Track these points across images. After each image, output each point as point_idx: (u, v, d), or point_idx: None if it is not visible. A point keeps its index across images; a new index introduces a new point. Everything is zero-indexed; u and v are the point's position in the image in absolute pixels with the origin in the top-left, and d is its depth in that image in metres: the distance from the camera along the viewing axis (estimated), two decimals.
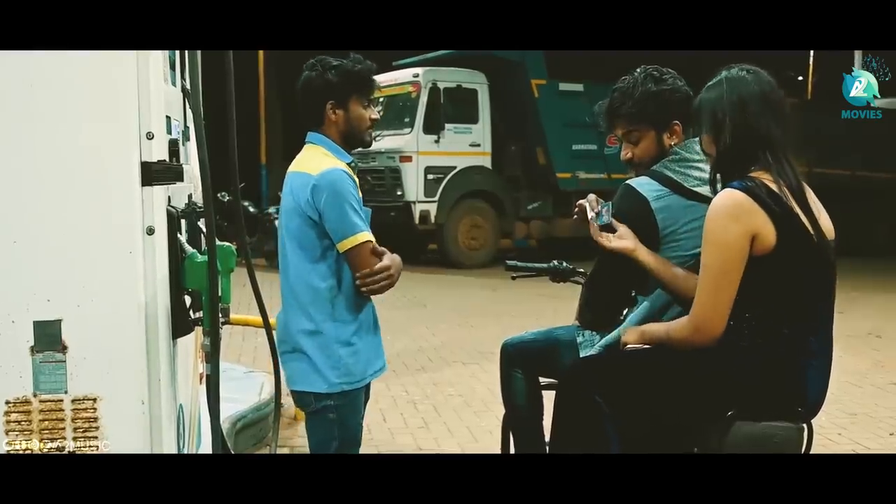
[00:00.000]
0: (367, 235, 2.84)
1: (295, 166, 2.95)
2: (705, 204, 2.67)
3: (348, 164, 2.95)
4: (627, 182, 2.88)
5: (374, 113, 3.03)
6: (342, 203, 2.82)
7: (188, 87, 2.92)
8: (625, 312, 2.99)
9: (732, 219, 2.42)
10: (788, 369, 2.51)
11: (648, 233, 2.78)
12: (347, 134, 2.98)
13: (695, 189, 2.78)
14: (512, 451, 3.50)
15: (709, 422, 2.58)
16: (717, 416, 2.54)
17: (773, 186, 2.46)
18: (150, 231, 2.39)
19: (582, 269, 3.53)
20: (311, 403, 2.98)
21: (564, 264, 3.57)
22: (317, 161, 2.90)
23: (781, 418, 2.55)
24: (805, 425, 2.59)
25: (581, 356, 3.05)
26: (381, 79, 15.58)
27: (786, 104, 2.63)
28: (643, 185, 2.82)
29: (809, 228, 2.46)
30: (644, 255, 2.70)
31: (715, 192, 2.59)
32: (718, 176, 2.60)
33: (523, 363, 3.38)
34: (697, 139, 2.77)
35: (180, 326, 2.63)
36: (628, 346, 2.73)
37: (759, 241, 2.41)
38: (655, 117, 2.89)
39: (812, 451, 2.65)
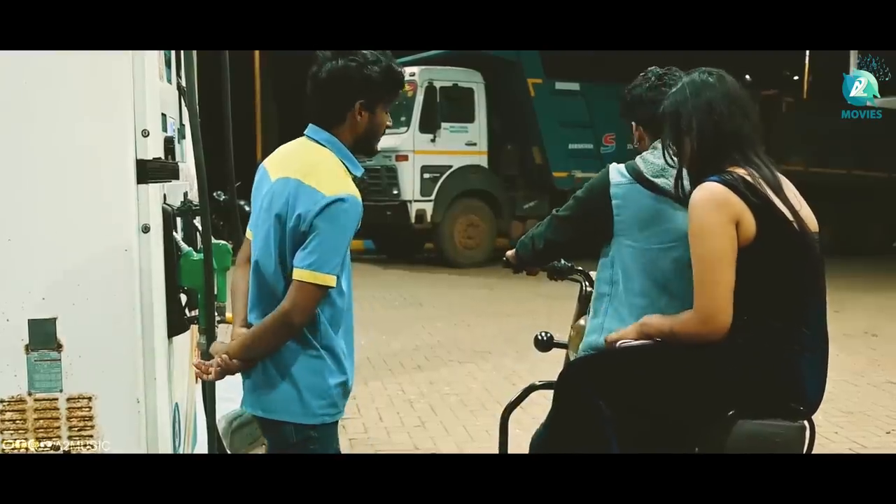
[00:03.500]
0: (333, 282, 2.44)
1: (299, 173, 2.48)
2: (660, 195, 2.76)
3: (357, 177, 2.62)
4: (610, 165, 2.97)
5: (389, 119, 2.69)
6: (341, 240, 2.45)
7: (184, 84, 2.92)
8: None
9: (714, 208, 2.45)
10: (781, 363, 2.51)
11: (602, 211, 2.87)
12: (362, 139, 2.61)
13: (652, 179, 2.81)
14: (510, 446, 3.49)
15: (708, 421, 2.58)
16: (716, 414, 2.54)
17: (749, 178, 2.50)
18: (146, 229, 2.39)
19: (580, 268, 3.53)
20: (290, 436, 2.57)
21: (562, 262, 3.56)
22: (328, 175, 2.48)
23: (780, 415, 2.55)
24: (807, 424, 2.59)
25: (575, 356, 3.05)
26: None
27: (751, 102, 2.66)
28: (615, 170, 2.91)
29: (789, 216, 2.49)
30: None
31: (678, 190, 2.66)
32: (687, 175, 2.64)
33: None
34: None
35: (176, 325, 2.63)
36: (621, 342, 2.72)
37: (741, 230, 2.45)
38: (640, 120, 2.99)
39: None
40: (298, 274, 2.41)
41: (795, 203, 2.53)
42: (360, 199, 2.49)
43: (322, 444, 2.62)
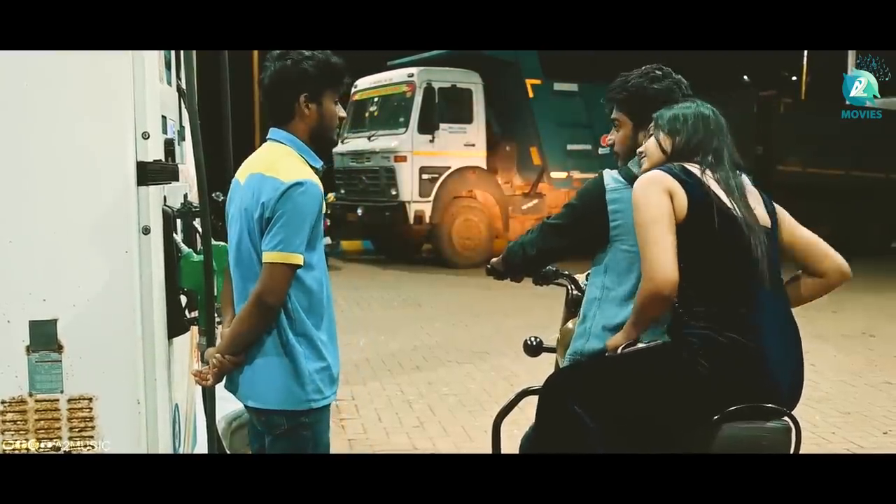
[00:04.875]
0: (301, 260, 2.56)
1: (261, 168, 2.62)
2: None
3: (318, 168, 2.70)
4: (604, 170, 2.99)
5: (342, 111, 2.80)
6: (303, 220, 2.55)
7: (184, 86, 2.92)
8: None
9: (650, 184, 2.65)
10: (743, 364, 2.55)
11: (598, 218, 2.88)
12: (317, 131, 2.71)
13: None
14: (504, 448, 3.49)
15: (692, 427, 2.60)
16: (700, 420, 2.56)
17: (688, 167, 2.69)
18: (146, 231, 2.40)
19: (566, 272, 3.53)
20: (282, 424, 2.68)
21: (548, 267, 3.54)
22: (287, 165, 2.61)
23: (761, 416, 2.57)
24: (792, 425, 2.60)
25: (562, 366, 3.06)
26: (376, 79, 15.63)
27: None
28: (609, 175, 2.93)
29: (724, 200, 2.63)
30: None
31: None
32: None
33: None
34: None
35: (176, 326, 2.63)
36: (620, 348, 2.74)
37: (675, 204, 2.61)
38: (636, 112, 2.99)
39: (806, 450, 2.66)
40: (266, 256, 2.53)
41: (748, 198, 2.69)
42: (319, 184, 2.61)
43: (313, 429, 2.70)
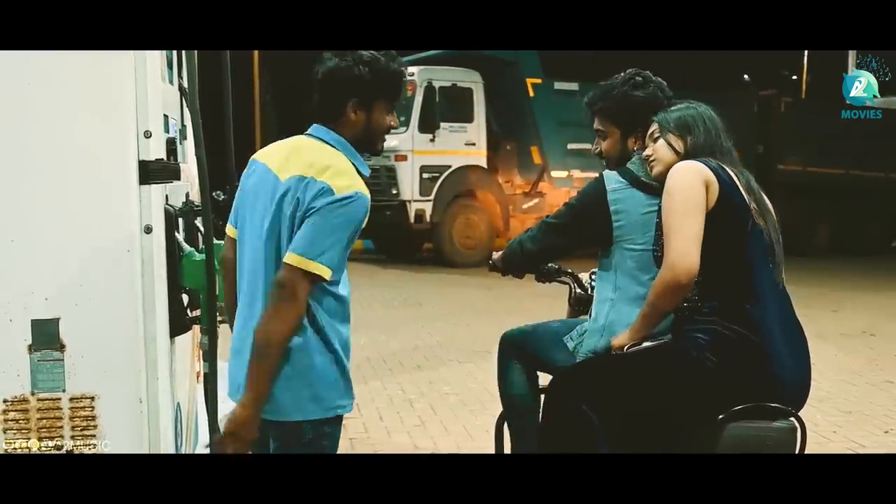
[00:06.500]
0: (328, 274, 2.37)
1: (311, 171, 2.41)
2: (659, 197, 2.81)
3: (365, 176, 2.53)
4: (602, 172, 3.04)
5: (395, 120, 2.61)
6: (344, 234, 2.39)
7: (185, 85, 2.92)
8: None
9: (687, 170, 2.69)
10: (751, 368, 2.55)
11: (599, 218, 2.92)
12: (362, 138, 2.56)
13: (651, 183, 2.86)
14: (507, 447, 3.49)
15: (697, 426, 2.60)
16: (705, 419, 2.57)
17: (724, 166, 2.74)
18: (148, 230, 2.40)
19: (570, 270, 3.53)
20: (307, 433, 2.48)
21: (550, 264, 3.54)
22: (340, 172, 2.43)
23: (767, 416, 2.57)
24: (797, 424, 2.61)
25: (576, 362, 3.07)
26: None
27: None
28: (609, 176, 2.97)
29: (747, 200, 2.69)
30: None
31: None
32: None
33: (519, 354, 3.34)
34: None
35: (178, 325, 2.64)
36: (627, 348, 2.75)
37: (708, 194, 2.65)
38: (624, 121, 3.05)
39: (807, 450, 2.66)
40: (290, 258, 2.34)
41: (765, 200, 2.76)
42: (367, 194, 2.45)
43: (332, 438, 2.55)
